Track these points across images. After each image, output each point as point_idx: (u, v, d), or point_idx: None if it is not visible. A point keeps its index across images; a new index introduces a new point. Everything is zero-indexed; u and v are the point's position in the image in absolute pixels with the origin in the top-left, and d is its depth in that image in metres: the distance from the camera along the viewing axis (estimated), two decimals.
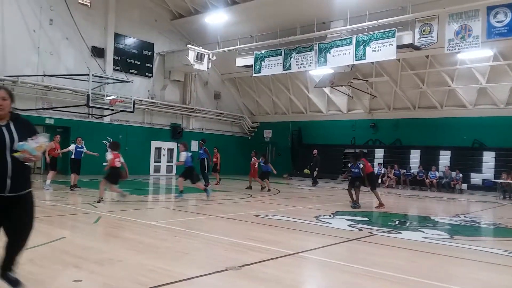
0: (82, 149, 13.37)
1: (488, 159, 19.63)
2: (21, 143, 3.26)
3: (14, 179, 3.30)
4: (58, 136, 14.15)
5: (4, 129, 3.36)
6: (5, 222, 3.38)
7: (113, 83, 20.41)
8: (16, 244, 3.48)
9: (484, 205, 14.51)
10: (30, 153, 3.24)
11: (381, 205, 11.56)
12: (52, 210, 8.87)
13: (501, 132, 19.36)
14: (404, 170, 21.11)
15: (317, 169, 20.48)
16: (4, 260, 3.48)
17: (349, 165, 12.18)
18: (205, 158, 15.95)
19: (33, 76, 18.02)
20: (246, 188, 16.20)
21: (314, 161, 20.65)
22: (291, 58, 19.57)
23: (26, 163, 3.37)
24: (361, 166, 11.52)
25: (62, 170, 17.28)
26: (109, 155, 10.33)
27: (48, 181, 12.74)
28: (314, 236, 7.22)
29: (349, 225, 8.36)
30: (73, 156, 13.34)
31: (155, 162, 23.52)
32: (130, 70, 21.97)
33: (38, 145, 3.28)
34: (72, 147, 13.42)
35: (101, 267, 4.58)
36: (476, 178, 19.55)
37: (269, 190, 15.42)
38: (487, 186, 18.73)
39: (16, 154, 3.24)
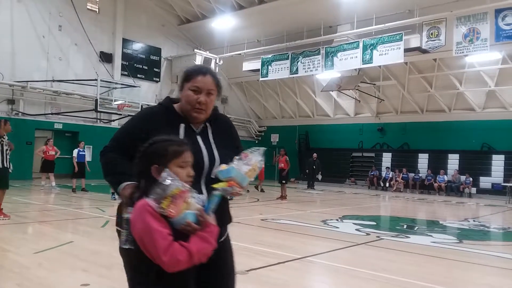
0: (84, 153, 13.97)
1: (497, 162, 19.44)
2: (225, 167, 1.84)
3: None
4: (51, 139, 15.14)
5: (199, 140, 1.99)
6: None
7: (121, 88, 20.53)
8: None
9: (493, 209, 14.36)
10: (240, 183, 1.82)
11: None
12: (60, 214, 8.93)
13: (510, 136, 19.13)
14: (413, 174, 21.00)
15: (320, 172, 20.49)
16: None
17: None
18: None
19: (42, 82, 18.21)
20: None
21: (316, 164, 20.54)
22: (298, 62, 19.58)
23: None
24: None
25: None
26: None
27: (53, 183, 13.79)
28: (321, 240, 7.19)
29: (357, 229, 8.32)
30: (76, 161, 13.78)
31: None
32: (138, 75, 22.11)
33: (250, 168, 1.87)
34: (75, 152, 13.91)
35: (109, 271, 4.60)
36: (485, 182, 19.37)
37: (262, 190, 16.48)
38: (496, 190, 18.55)
39: (218, 187, 1.77)
